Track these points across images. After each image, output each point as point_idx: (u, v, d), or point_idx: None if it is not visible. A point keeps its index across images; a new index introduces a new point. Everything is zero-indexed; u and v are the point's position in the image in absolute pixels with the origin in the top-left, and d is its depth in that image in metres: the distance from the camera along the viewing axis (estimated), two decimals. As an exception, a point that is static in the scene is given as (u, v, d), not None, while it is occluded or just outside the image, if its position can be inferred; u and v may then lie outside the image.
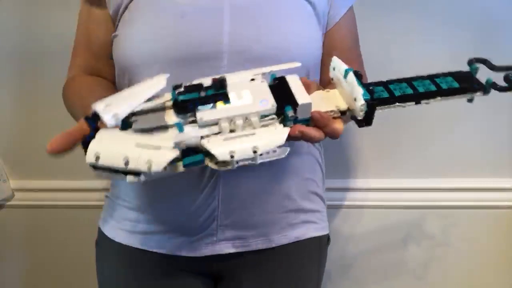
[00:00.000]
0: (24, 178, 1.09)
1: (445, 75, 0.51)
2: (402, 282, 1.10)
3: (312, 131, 0.46)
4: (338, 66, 0.50)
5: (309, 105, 0.46)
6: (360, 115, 0.47)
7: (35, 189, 1.08)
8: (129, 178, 0.42)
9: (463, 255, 1.07)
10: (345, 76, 0.48)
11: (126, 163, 0.41)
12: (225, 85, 0.45)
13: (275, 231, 0.64)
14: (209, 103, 0.44)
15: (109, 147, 0.42)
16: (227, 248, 0.63)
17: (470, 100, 0.51)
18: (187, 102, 0.44)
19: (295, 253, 0.67)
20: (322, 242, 0.71)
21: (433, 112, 0.88)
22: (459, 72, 0.52)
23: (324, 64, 0.64)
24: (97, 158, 0.41)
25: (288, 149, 0.44)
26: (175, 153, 0.41)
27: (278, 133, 0.44)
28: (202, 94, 0.44)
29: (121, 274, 0.68)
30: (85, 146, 0.43)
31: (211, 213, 0.61)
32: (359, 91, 0.46)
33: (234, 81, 0.47)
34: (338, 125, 0.47)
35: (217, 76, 0.45)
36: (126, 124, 0.44)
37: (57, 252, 1.12)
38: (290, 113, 0.45)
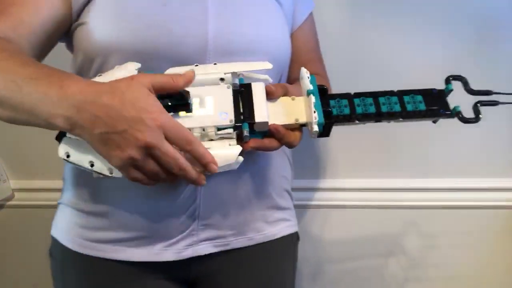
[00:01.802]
0: (24, 178, 1.09)
1: (415, 93, 0.50)
2: (400, 282, 1.10)
3: (267, 144, 0.50)
4: (304, 80, 0.51)
5: (265, 123, 0.49)
6: (314, 137, 0.49)
7: (35, 189, 1.08)
8: (95, 174, 0.47)
9: (462, 255, 1.07)
10: (307, 95, 0.49)
11: (92, 166, 0.47)
12: (186, 98, 0.47)
13: (254, 229, 0.64)
14: (171, 112, 0.47)
15: (78, 148, 0.47)
16: (207, 248, 0.62)
17: (434, 121, 0.52)
18: None
19: (272, 251, 0.67)
20: (294, 239, 0.72)
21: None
22: (430, 91, 0.51)
23: (290, 63, 0.67)
24: (68, 156, 0.47)
25: (242, 159, 0.48)
26: None
27: (230, 150, 0.47)
28: (165, 102, 0.46)
29: None
30: (59, 138, 0.48)
31: (192, 214, 0.59)
32: (314, 118, 0.47)
33: (204, 79, 0.50)
34: (294, 137, 0.51)
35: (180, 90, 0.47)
36: None
37: (57, 252, 1.12)
38: (245, 131, 0.48)
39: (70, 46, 0.61)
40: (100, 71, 0.54)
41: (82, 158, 0.47)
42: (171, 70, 0.51)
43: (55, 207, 0.66)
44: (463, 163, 1.00)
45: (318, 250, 1.09)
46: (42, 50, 0.57)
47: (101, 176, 0.47)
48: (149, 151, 0.43)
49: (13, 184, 1.10)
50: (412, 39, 0.93)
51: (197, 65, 0.51)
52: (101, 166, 0.46)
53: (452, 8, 0.91)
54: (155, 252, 0.60)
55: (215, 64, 0.51)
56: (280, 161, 0.67)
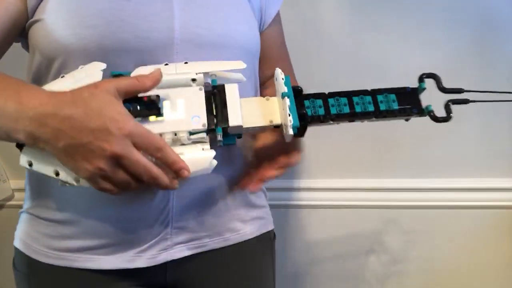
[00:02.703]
0: (24, 178, 1.09)
1: (389, 91, 0.51)
2: (398, 281, 1.10)
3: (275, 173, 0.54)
4: (278, 81, 0.51)
5: (239, 127, 0.48)
6: (288, 140, 0.49)
7: (35, 189, 1.08)
8: (61, 183, 0.45)
9: (462, 255, 1.06)
10: (282, 97, 0.49)
11: (57, 175, 0.44)
12: (156, 103, 0.45)
13: (230, 229, 0.63)
14: (140, 117, 0.45)
15: (41, 157, 0.44)
16: (182, 252, 0.59)
17: (407, 120, 0.52)
18: None
19: (250, 250, 0.66)
20: (271, 237, 0.71)
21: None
22: (404, 89, 0.52)
23: (262, 60, 0.66)
24: (30, 164, 0.45)
25: (216, 163, 0.47)
26: None
27: (203, 155, 0.46)
28: (134, 106, 0.45)
29: None
30: (20, 146, 0.46)
31: (165, 217, 0.57)
32: (289, 121, 0.47)
33: (174, 80, 0.48)
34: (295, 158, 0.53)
35: (149, 94, 0.46)
36: None
37: (57, 252, 1.12)
38: (219, 136, 0.47)
39: (26, 45, 0.57)
40: (61, 71, 0.52)
41: (46, 167, 0.44)
42: (139, 70, 0.49)
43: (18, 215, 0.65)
44: (463, 163, 1.00)
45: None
46: None
47: (67, 184, 0.45)
48: (117, 160, 0.41)
49: (13, 184, 1.10)
50: (412, 39, 0.93)
51: (167, 64, 0.49)
52: (66, 176, 0.44)
53: (452, 8, 0.92)
54: (127, 259, 0.57)
55: (186, 63, 0.50)
56: None
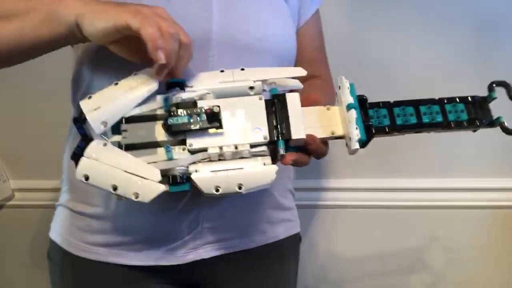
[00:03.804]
0: (24, 178, 1.09)
1: (457, 101, 0.47)
2: (396, 282, 1.10)
3: (303, 159, 0.46)
4: (344, 90, 0.47)
5: (302, 140, 0.45)
6: (352, 154, 0.46)
7: (35, 189, 1.08)
8: (117, 197, 0.43)
9: (462, 255, 1.06)
10: (348, 109, 0.46)
11: (115, 189, 0.42)
12: (218, 115, 0.44)
13: (258, 230, 0.63)
14: (201, 130, 0.43)
15: (98, 170, 0.42)
16: (211, 251, 0.60)
17: (474, 131, 0.49)
18: (178, 127, 0.43)
19: (276, 252, 0.66)
20: (297, 239, 0.71)
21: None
22: (472, 98, 0.47)
23: (297, 62, 0.65)
24: (87, 178, 0.42)
25: (275, 177, 0.44)
26: (162, 188, 0.42)
27: (265, 171, 0.44)
28: (194, 118, 0.43)
29: None
30: (75, 158, 0.43)
31: (195, 217, 0.58)
32: (356, 135, 0.44)
33: (232, 88, 0.46)
34: (325, 149, 0.48)
35: (211, 106, 0.44)
36: (116, 129, 0.44)
37: (57, 252, 1.12)
38: (281, 150, 0.44)
39: None
40: (95, 72, 0.54)
41: (104, 182, 0.42)
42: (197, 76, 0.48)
43: (55, 207, 0.65)
44: (464, 163, 1.00)
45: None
46: None
47: (124, 199, 0.42)
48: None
49: (13, 184, 1.10)
50: (412, 38, 0.93)
51: (223, 71, 0.47)
52: (125, 190, 0.42)
53: (452, 8, 0.92)
54: (157, 256, 0.58)
55: (242, 69, 0.47)
56: None
